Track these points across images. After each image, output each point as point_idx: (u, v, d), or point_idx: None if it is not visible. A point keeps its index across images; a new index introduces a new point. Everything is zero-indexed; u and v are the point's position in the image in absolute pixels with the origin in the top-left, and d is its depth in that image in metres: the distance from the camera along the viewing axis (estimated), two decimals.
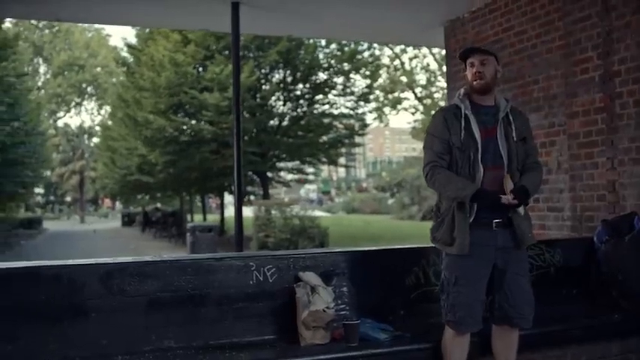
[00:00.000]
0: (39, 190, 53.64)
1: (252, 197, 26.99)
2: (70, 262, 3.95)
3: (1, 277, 3.66)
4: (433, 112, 3.80)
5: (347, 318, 3.88)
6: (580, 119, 6.10)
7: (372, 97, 26.45)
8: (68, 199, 70.54)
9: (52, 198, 69.55)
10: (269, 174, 26.11)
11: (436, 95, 28.57)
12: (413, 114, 30.18)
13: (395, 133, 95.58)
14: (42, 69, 57.13)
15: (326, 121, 24.40)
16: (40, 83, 55.02)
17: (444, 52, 9.08)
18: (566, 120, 6.26)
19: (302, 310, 3.80)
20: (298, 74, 23.34)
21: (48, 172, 49.71)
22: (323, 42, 23.32)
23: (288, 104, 23.99)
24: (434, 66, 27.52)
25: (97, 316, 3.65)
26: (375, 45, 24.27)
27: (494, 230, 3.57)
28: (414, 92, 28.83)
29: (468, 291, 3.57)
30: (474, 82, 3.63)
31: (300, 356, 3.63)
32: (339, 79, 24.22)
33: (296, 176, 30.06)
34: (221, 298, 3.90)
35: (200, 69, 22.93)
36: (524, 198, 3.55)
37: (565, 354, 4.42)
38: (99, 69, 56.94)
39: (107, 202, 70.34)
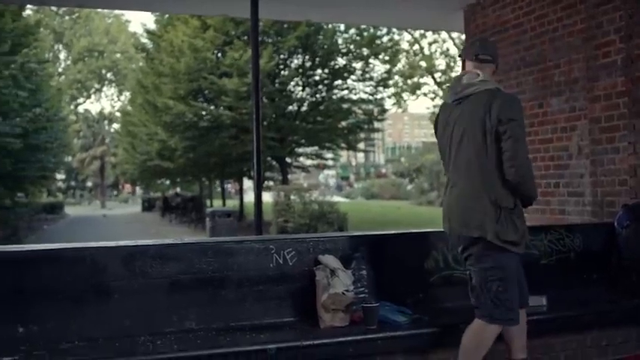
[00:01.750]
0: (60, 175, 54.07)
1: (271, 183, 27.08)
2: (93, 244, 4.01)
3: (26, 259, 3.72)
4: (508, 98, 3.52)
5: (366, 301, 3.89)
6: (601, 103, 6.04)
7: (391, 82, 26.37)
8: (89, 184, 71.12)
9: (73, 183, 70.12)
10: (288, 159, 26.17)
11: None
12: (432, 99, 29.99)
13: (414, 118, 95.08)
14: (62, 55, 57.54)
15: (345, 106, 24.36)
16: (60, 69, 55.41)
17: (463, 36, 9.01)
18: (587, 104, 6.20)
19: (321, 293, 3.83)
20: (317, 59, 23.30)
21: (69, 158, 50.16)
22: (342, 27, 23.26)
23: (307, 89, 23.98)
24: (453, 51, 27.29)
25: (120, 298, 3.71)
26: (394, 30, 24.13)
27: None
28: (433, 77, 28.65)
29: (517, 289, 3.59)
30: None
31: (320, 338, 3.66)
32: (358, 64, 24.16)
33: (315, 162, 30.05)
34: (241, 280, 3.95)
35: (219, 54, 22.97)
36: None
37: (585, 339, 4.42)
38: (118, 55, 57.20)
39: (127, 187, 70.84)
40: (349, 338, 3.69)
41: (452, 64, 28.56)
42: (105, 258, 3.76)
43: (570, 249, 4.96)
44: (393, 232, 4.46)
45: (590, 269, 4.99)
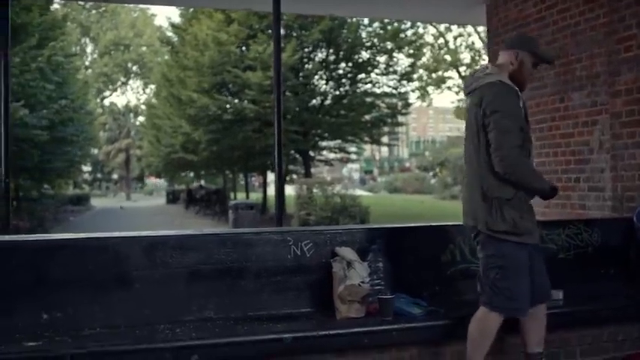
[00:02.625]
0: (86, 167, 54.73)
1: (294, 176, 27.17)
2: (116, 234, 4.11)
3: (50, 248, 3.82)
4: (496, 90, 3.52)
5: (382, 293, 3.94)
6: (623, 98, 6.01)
7: (415, 76, 26.29)
8: (115, 176, 71.84)
9: (99, 175, 70.88)
10: (311, 153, 26.23)
11: None
12: (457, 93, 29.84)
13: (439, 112, 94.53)
14: (89, 49, 58.10)
15: (368, 100, 24.36)
16: (87, 63, 55.98)
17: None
18: (608, 99, 6.17)
19: (338, 284, 3.89)
20: (341, 53, 23.32)
21: (95, 151, 50.73)
22: (366, 20, 23.22)
23: (331, 83, 24.01)
24: (479, 44, 27.12)
25: (141, 287, 3.80)
26: (419, 23, 24.05)
27: None
28: (458, 71, 28.47)
29: (527, 280, 3.58)
30: (527, 85, 3.70)
31: (336, 328, 3.71)
32: (382, 58, 24.14)
33: (338, 155, 30.09)
34: (259, 271, 4.02)
35: (243, 48, 23.09)
36: None
37: (602, 333, 4.42)
38: (144, 48, 57.64)
39: (152, 179, 71.45)
40: (365, 329, 3.74)
41: (477, 57, 28.39)
42: (127, 248, 3.85)
43: (588, 244, 4.96)
44: (409, 224, 4.49)
45: (608, 264, 4.99)
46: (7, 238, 4.37)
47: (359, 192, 29.01)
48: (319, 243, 4.15)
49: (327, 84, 24.07)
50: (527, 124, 3.66)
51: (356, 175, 70.29)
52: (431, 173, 49.47)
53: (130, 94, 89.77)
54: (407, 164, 70.96)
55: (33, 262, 3.69)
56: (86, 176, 61.69)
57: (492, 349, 3.68)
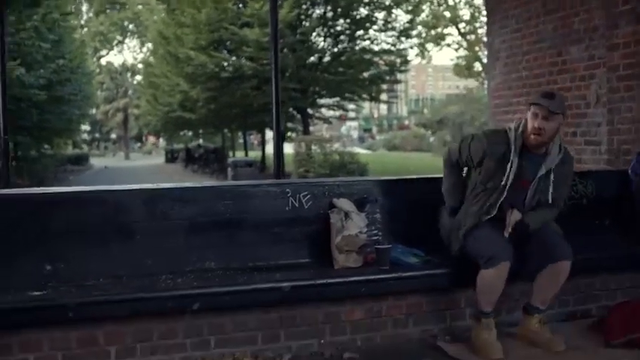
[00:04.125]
0: (85, 127, 54.63)
1: (293, 134, 27.15)
2: (116, 187, 4.17)
3: (52, 201, 3.88)
4: (483, 131, 4.06)
5: (379, 243, 4.01)
6: (621, 51, 6.02)
7: (414, 32, 26.11)
8: (113, 136, 71.79)
9: (97, 135, 70.85)
10: (309, 110, 26.16)
11: (480, 31, 28.00)
12: (456, 50, 29.87)
13: (438, 70, 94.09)
14: (84, 7, 57.40)
15: (367, 57, 24.19)
16: (82, 22, 55.35)
17: None
18: (606, 53, 6.18)
19: (336, 235, 3.96)
20: (339, 9, 23.08)
21: (93, 110, 50.55)
22: None
23: (329, 40, 23.83)
24: (478, 1, 26.89)
25: (142, 239, 3.87)
26: None
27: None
28: (457, 28, 28.32)
29: (488, 232, 3.76)
30: (532, 136, 3.67)
31: (334, 277, 3.79)
32: (381, 14, 23.91)
33: (337, 113, 30.02)
34: (258, 222, 4.08)
35: (240, 5, 22.85)
36: (522, 233, 3.80)
37: (594, 282, 4.51)
38: (140, 6, 56.93)
39: (151, 139, 71.37)
40: (362, 278, 3.81)
41: (476, 14, 28.18)
42: (127, 200, 3.91)
43: (583, 195, 5.00)
44: (406, 177, 4.54)
45: (603, 215, 5.04)
46: (11, 191, 4.43)
47: (357, 150, 29.03)
48: (317, 195, 4.20)
49: (324, 41, 23.89)
50: (494, 182, 3.78)
51: (355, 133, 70.24)
52: (430, 131, 49.40)
53: (127, 53, 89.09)
54: (406, 122, 70.84)
55: (36, 215, 3.74)
56: (85, 136, 61.62)
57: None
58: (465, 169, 4.04)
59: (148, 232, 3.88)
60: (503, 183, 3.74)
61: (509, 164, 3.71)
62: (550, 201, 3.83)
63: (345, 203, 4.08)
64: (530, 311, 3.90)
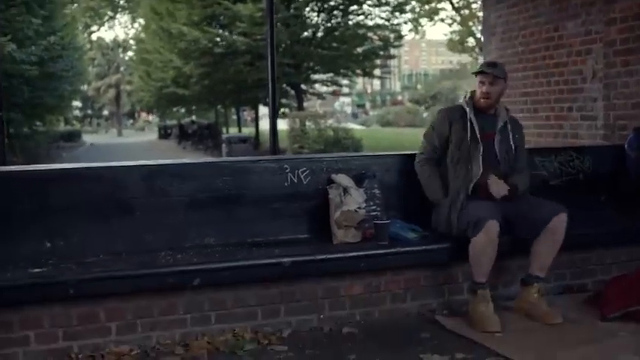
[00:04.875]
0: (76, 103, 54.29)
1: (286, 110, 27.09)
2: (114, 163, 4.17)
3: (52, 178, 3.88)
4: (438, 111, 4.47)
5: (378, 218, 4.03)
6: (618, 26, 6.00)
7: (407, 7, 25.91)
8: (105, 112, 71.41)
9: (89, 112, 70.44)
10: (303, 86, 26.08)
11: (474, 5, 27.81)
12: (450, 25, 29.62)
13: (431, 45, 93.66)
14: None
15: (360, 32, 24.09)
16: None
17: None
18: (603, 27, 6.16)
19: (334, 210, 3.97)
20: None
21: (85, 87, 50.17)
22: None
23: (322, 15, 23.69)
24: None
25: (141, 215, 3.87)
26: None
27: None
28: (451, 2, 28.06)
29: (475, 204, 3.86)
30: (481, 100, 4.09)
31: (333, 253, 3.81)
32: None
33: (330, 88, 29.92)
34: (257, 198, 4.09)
35: None
36: (513, 195, 4.01)
37: (590, 257, 4.55)
38: None
39: (144, 115, 71.07)
40: (361, 253, 3.83)
41: None
42: (127, 177, 3.91)
43: (579, 170, 5.04)
44: (405, 152, 4.54)
45: (599, 190, 5.08)
46: (9, 168, 4.42)
47: (351, 125, 29.00)
48: (315, 170, 4.21)
49: (318, 16, 23.75)
50: (464, 143, 4.03)
51: (348, 109, 70.08)
52: (423, 106, 49.34)
53: (118, 29, 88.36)
54: (399, 97, 70.72)
55: (35, 192, 3.74)
56: (77, 112, 61.26)
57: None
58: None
59: (147, 209, 3.89)
60: (472, 136, 4.02)
61: (468, 122, 4.06)
62: (514, 151, 4.14)
63: (343, 179, 4.09)
64: (528, 281, 3.93)
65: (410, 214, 4.25)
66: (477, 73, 4.13)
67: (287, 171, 4.15)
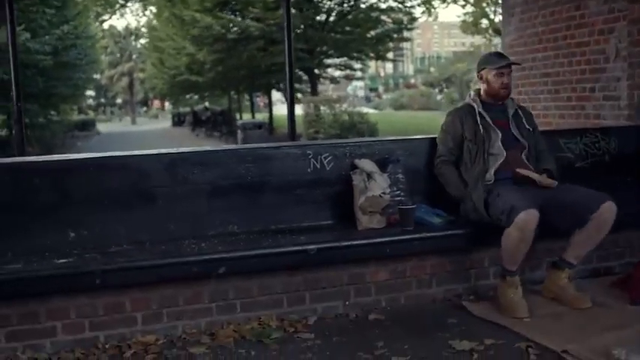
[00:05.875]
0: (90, 92, 54.44)
1: (299, 95, 27.02)
2: (136, 152, 4.13)
3: (73, 167, 3.85)
4: (448, 111, 4.41)
5: (402, 203, 3.98)
6: None
7: None
8: (119, 101, 71.61)
9: (103, 100, 70.64)
10: (316, 71, 25.98)
11: None
12: (463, 7, 29.31)
13: (444, 27, 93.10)
14: None
15: (373, 15, 23.92)
16: None
17: None
18: (627, 5, 6.03)
19: (359, 196, 3.92)
20: None
21: (98, 75, 50.24)
22: None
23: None
24: None
25: (164, 203, 3.85)
26: None
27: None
28: None
29: (506, 189, 3.79)
30: (501, 91, 4.09)
31: (358, 239, 3.77)
32: None
33: (343, 72, 29.78)
34: (280, 185, 4.06)
35: None
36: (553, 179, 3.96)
37: (617, 239, 4.46)
38: None
39: (157, 103, 71.17)
40: (386, 239, 3.79)
41: None
42: (148, 165, 3.88)
43: (605, 152, 4.96)
44: (428, 136, 4.48)
45: (625, 172, 4.99)
46: (31, 159, 4.41)
47: (365, 109, 28.88)
48: (338, 156, 4.17)
49: (331, 0, 23.60)
50: (479, 135, 4.02)
51: (361, 93, 69.82)
52: (437, 89, 49.06)
53: (130, 17, 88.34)
54: (412, 80, 70.36)
55: (58, 182, 3.72)
56: (90, 101, 61.46)
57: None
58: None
59: (170, 197, 3.86)
60: (485, 127, 4.03)
61: (478, 116, 4.08)
62: (533, 132, 4.17)
63: (367, 164, 4.04)
64: (560, 265, 3.86)
65: (434, 198, 4.19)
66: (495, 68, 4.06)
67: (310, 157, 4.11)
